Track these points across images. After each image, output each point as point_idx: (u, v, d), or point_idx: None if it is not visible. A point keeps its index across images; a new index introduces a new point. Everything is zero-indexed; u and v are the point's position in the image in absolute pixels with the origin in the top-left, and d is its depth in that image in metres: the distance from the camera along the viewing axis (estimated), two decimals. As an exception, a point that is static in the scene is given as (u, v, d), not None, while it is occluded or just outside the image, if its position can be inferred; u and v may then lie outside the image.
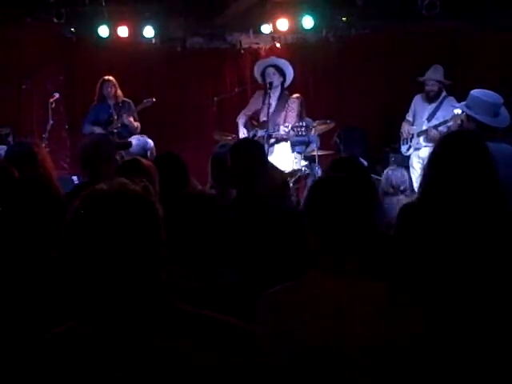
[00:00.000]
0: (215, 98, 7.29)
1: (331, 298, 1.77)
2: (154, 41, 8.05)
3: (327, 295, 1.77)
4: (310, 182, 6.89)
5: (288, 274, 2.01)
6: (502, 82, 6.63)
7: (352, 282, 1.79)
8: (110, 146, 3.92)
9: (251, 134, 6.51)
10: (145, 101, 7.04)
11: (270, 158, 5.84)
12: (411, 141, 6.70)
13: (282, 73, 6.51)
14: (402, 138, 6.86)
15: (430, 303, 2.02)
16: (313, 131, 6.49)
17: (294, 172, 6.56)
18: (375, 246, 2.20)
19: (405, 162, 7.02)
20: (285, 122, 6.47)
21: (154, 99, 7.04)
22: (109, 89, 6.92)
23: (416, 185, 5.39)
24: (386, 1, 7.74)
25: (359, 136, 7.93)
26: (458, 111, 5.05)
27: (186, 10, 7.88)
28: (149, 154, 4.30)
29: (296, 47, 8.31)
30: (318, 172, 6.40)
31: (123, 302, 1.44)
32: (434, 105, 6.51)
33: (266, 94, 6.53)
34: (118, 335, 1.43)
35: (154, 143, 6.29)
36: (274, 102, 6.53)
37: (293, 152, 6.61)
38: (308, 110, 7.27)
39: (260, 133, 6.39)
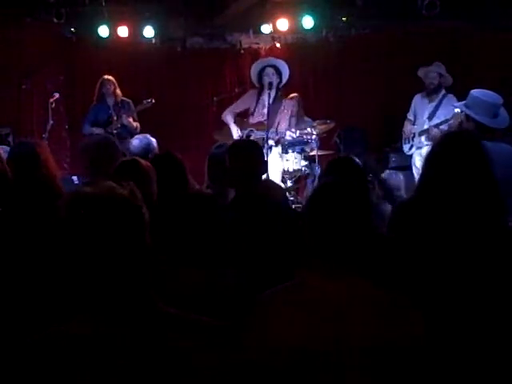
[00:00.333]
0: (215, 98, 7.29)
1: (331, 301, 1.76)
2: (154, 41, 8.06)
3: (327, 298, 1.77)
4: (309, 181, 6.90)
5: (287, 274, 2.00)
6: (502, 82, 6.63)
7: (351, 284, 1.79)
8: (114, 146, 3.94)
9: (245, 133, 6.46)
10: (144, 102, 7.05)
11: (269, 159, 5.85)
12: (413, 140, 6.70)
13: (280, 73, 6.49)
14: (403, 138, 6.86)
15: (427, 303, 2.01)
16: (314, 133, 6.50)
17: (293, 172, 6.57)
18: (373, 247, 2.22)
19: (406, 162, 7.03)
20: (278, 124, 6.45)
21: (154, 100, 7.04)
22: (108, 87, 6.93)
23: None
24: (386, 1, 7.74)
25: (359, 136, 7.92)
26: (458, 110, 5.05)
27: (186, 9, 7.89)
28: (150, 156, 4.28)
29: (296, 47, 8.31)
30: (318, 172, 6.40)
31: (107, 304, 1.45)
32: (433, 103, 6.51)
33: (261, 95, 6.48)
34: (100, 337, 1.43)
35: (154, 143, 6.29)
36: (268, 103, 6.49)
37: (293, 152, 6.61)
38: (308, 110, 7.27)
39: (258, 134, 6.34)
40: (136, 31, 7.83)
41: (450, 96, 6.30)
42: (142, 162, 3.10)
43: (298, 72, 7.91)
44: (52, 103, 7.17)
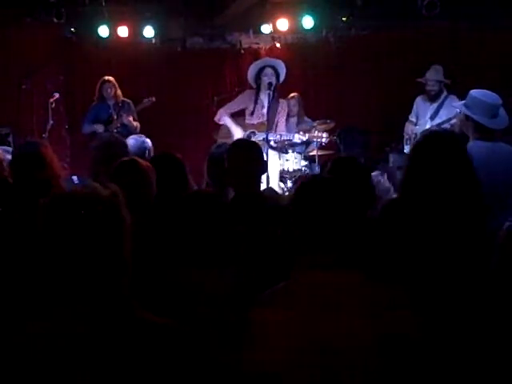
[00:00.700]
0: (215, 98, 7.28)
1: (320, 297, 1.78)
2: (154, 41, 8.06)
3: (316, 294, 1.79)
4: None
5: (287, 274, 2.01)
6: (502, 82, 6.63)
7: (341, 280, 1.81)
8: (117, 145, 3.95)
9: (246, 134, 6.44)
10: (145, 100, 7.05)
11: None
12: (415, 140, 6.69)
13: (278, 73, 6.47)
14: (405, 139, 6.85)
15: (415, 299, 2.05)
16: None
17: (293, 172, 6.56)
18: (364, 240, 2.26)
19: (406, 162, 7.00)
20: (277, 124, 6.43)
21: (154, 99, 7.03)
22: (108, 89, 6.93)
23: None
24: (386, 1, 7.74)
25: (359, 136, 7.92)
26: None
27: (186, 9, 7.89)
28: (147, 154, 4.28)
29: (296, 47, 8.31)
30: (318, 172, 6.40)
31: (79, 304, 1.45)
32: (435, 104, 6.50)
33: (259, 95, 6.46)
34: (69, 336, 1.43)
35: (154, 143, 6.26)
36: (268, 104, 6.47)
37: (293, 152, 6.61)
38: (308, 110, 7.28)
39: (260, 136, 6.31)
40: (136, 31, 7.84)
41: (452, 97, 6.29)
42: (142, 162, 3.10)
43: (298, 72, 7.91)
44: (52, 103, 7.18)
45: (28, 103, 7.87)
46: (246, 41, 8.39)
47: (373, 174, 4.78)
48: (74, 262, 1.43)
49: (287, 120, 6.67)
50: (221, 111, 6.60)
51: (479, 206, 2.54)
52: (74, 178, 6.45)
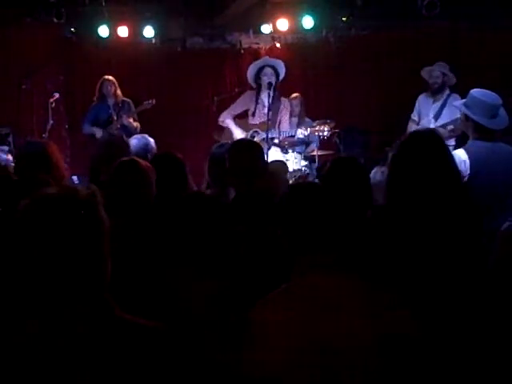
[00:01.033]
0: (215, 98, 7.27)
1: (320, 297, 1.78)
2: (154, 41, 8.06)
3: (316, 294, 1.79)
4: (309, 181, 6.89)
5: (287, 274, 2.01)
6: (502, 82, 6.62)
7: (341, 280, 1.82)
8: (125, 145, 3.96)
9: (249, 134, 6.45)
10: (145, 103, 7.05)
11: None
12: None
13: (277, 73, 6.48)
14: (406, 138, 6.83)
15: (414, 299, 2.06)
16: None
17: (293, 172, 6.56)
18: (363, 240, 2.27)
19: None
20: (280, 123, 6.44)
21: (154, 101, 7.03)
22: (109, 87, 6.95)
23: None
24: (386, 1, 7.73)
25: (359, 136, 7.92)
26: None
27: (186, 9, 7.89)
28: (149, 155, 4.27)
29: (296, 47, 8.31)
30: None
31: (58, 305, 1.45)
32: (438, 104, 6.49)
33: (260, 95, 6.46)
34: (48, 337, 1.43)
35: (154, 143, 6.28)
36: (269, 103, 6.48)
37: (293, 152, 6.60)
38: (308, 110, 7.27)
39: (263, 135, 6.31)
40: (136, 31, 7.83)
41: (455, 96, 6.27)
42: (141, 162, 3.09)
43: (298, 72, 7.92)
44: (52, 103, 7.18)
45: (28, 103, 7.87)
46: (246, 41, 8.39)
47: (373, 171, 4.79)
48: (51, 263, 1.43)
49: (289, 119, 6.68)
50: (224, 114, 6.64)
51: (467, 201, 2.56)
52: (74, 178, 6.46)
